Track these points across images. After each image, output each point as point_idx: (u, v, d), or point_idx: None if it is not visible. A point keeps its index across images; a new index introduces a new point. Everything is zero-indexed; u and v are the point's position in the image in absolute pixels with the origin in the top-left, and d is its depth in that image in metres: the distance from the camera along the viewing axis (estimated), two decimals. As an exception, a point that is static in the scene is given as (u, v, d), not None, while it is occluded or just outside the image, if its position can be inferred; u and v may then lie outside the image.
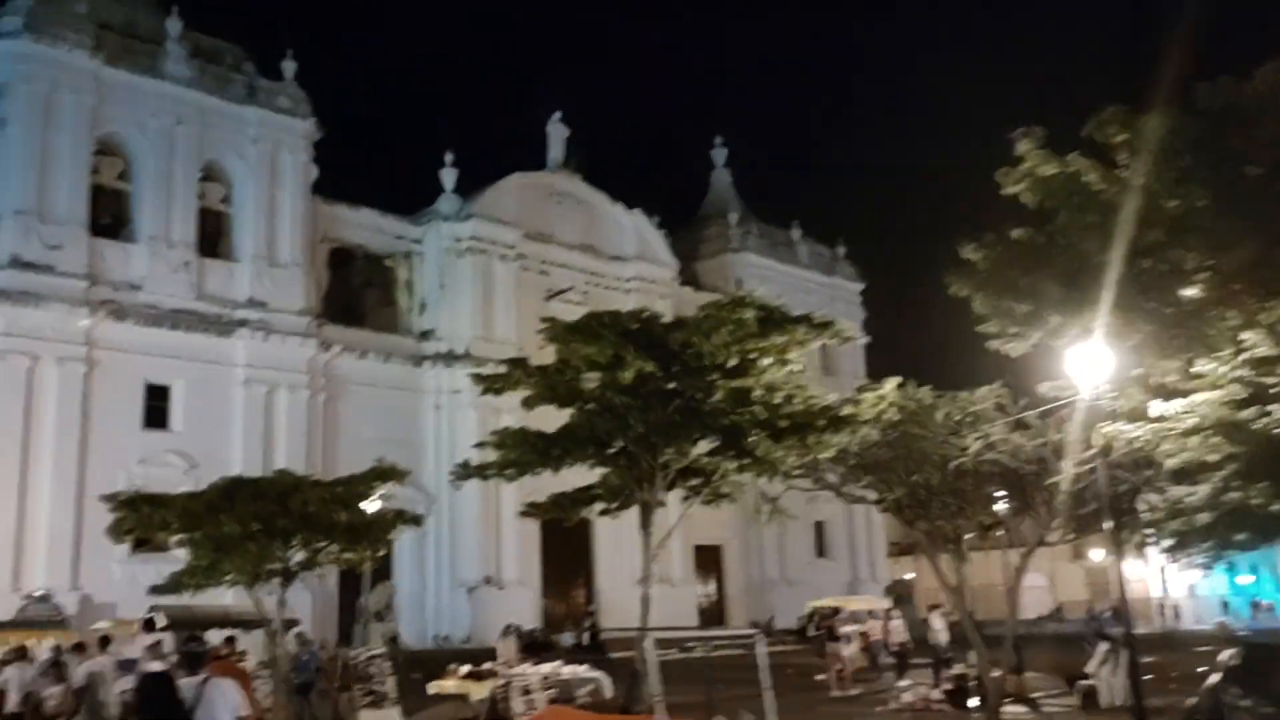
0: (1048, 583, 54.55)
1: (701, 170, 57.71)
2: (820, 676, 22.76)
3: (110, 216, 34.35)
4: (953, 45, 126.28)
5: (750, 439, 14.19)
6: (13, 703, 13.78)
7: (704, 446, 15.16)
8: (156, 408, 33.42)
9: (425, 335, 40.87)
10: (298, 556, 14.31)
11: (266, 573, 14.01)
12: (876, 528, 53.47)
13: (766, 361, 14.37)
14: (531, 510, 17.90)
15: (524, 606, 39.00)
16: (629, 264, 46.23)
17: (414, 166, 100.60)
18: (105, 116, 33.90)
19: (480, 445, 16.71)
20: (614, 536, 43.78)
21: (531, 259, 43.35)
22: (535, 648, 31.75)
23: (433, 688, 17.41)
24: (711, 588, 48.26)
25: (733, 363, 14.31)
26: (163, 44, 35.53)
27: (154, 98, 34.75)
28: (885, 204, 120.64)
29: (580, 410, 15.05)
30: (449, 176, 42.15)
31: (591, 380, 14.63)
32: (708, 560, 47.90)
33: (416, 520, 16.09)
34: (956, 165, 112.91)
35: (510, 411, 40.74)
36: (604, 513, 16.59)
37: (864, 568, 53.00)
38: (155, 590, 15.68)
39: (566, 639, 36.87)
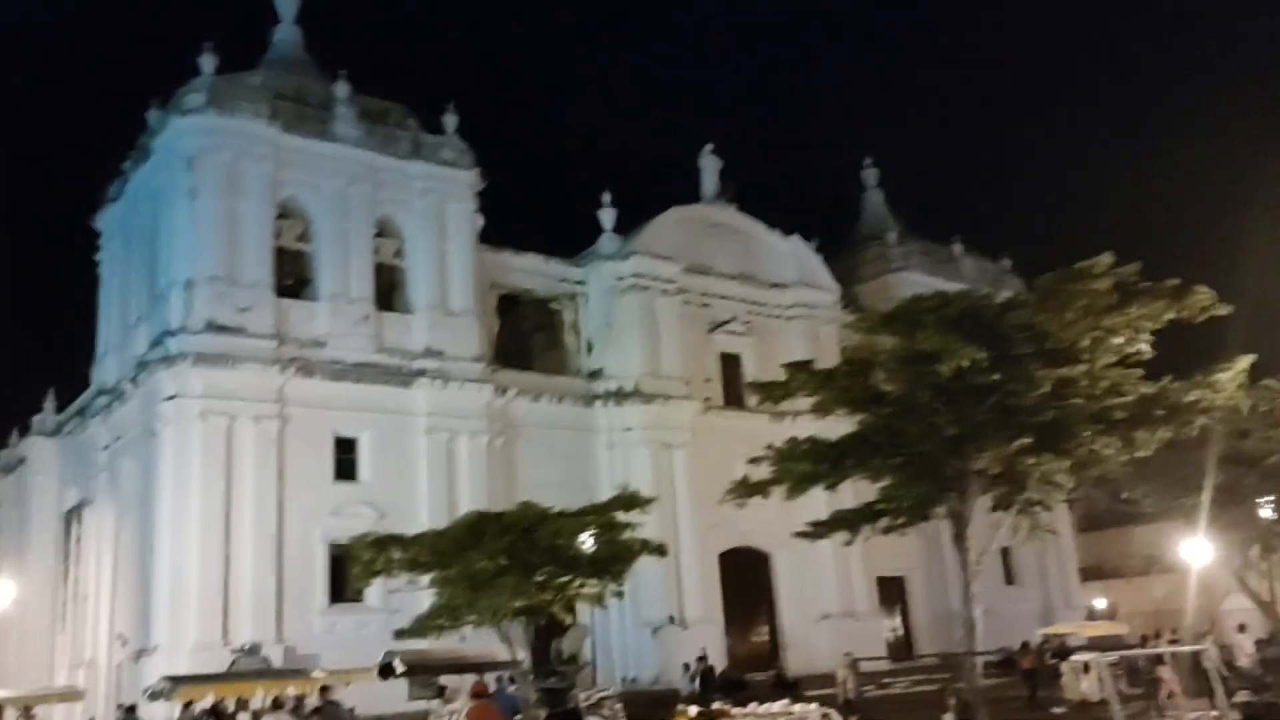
0: None
1: (852, 193, 56.65)
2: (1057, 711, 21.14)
3: (293, 277, 35.55)
4: (1109, 37, 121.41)
5: (1075, 435, 12.86)
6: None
7: (1009, 448, 13.77)
8: (345, 460, 34.18)
9: (594, 375, 40.87)
10: (544, 593, 13.91)
11: (513, 611, 13.66)
12: (1067, 552, 50.75)
13: (1117, 340, 12.94)
14: (813, 530, 17.01)
15: (708, 645, 38.07)
16: (790, 290, 45.39)
17: (574, 208, 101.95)
18: (284, 181, 35.18)
19: (756, 460, 15.96)
20: (795, 570, 42.74)
21: (693, 292, 42.99)
22: (729, 687, 30.91)
23: (662, 729, 16.80)
24: (897, 621, 46.40)
25: (1084, 342, 12.97)
26: (332, 108, 36.80)
27: (328, 160, 35.94)
28: (1046, 211, 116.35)
29: (875, 415, 14.10)
30: (608, 216, 42.29)
31: (883, 380, 13.63)
32: (891, 592, 46.12)
33: (661, 550, 15.52)
34: (1120, 165, 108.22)
35: (682, 447, 40.61)
36: (890, 529, 15.59)
37: (1056, 594, 50.27)
38: (399, 634, 15.58)
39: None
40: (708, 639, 38.60)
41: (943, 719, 14.27)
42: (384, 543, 14.27)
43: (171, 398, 31.76)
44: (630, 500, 14.81)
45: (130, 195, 37.98)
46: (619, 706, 15.84)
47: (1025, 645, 35.86)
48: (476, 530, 13.29)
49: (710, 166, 45.45)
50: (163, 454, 31.81)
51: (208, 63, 34.96)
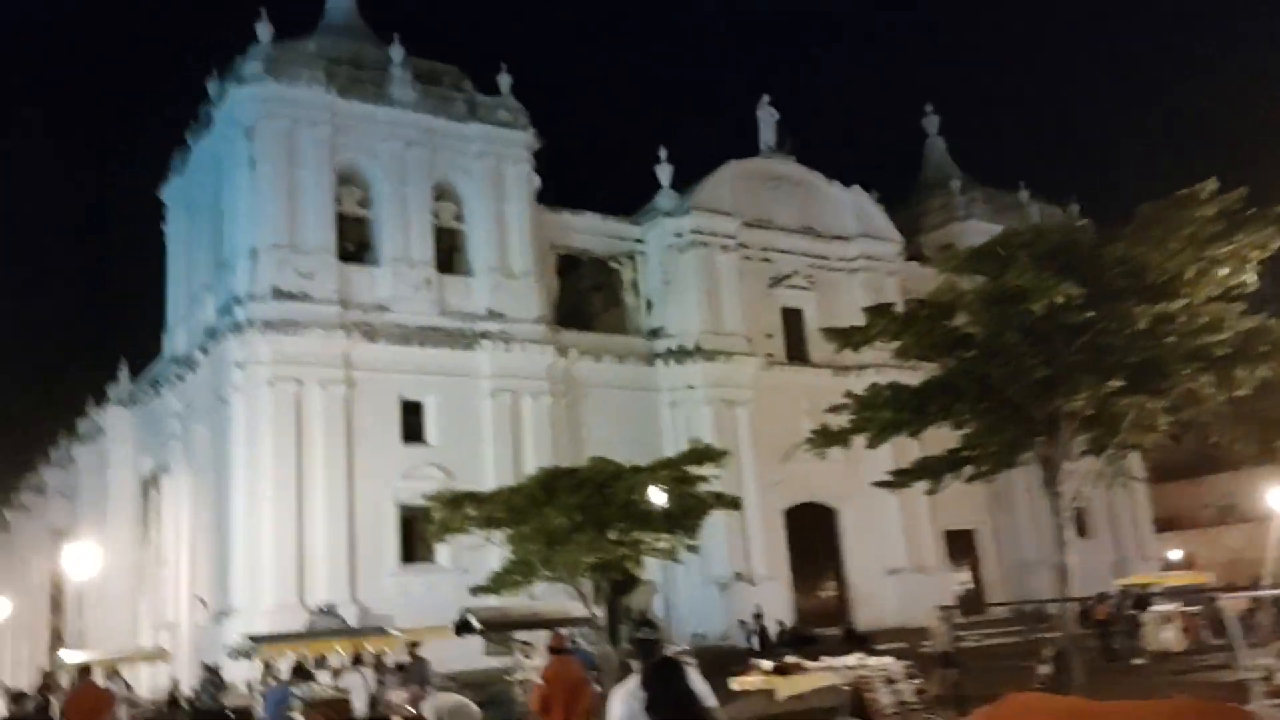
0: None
1: (912, 142, 55.48)
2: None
3: (355, 242, 35.74)
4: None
5: (1172, 374, 12.24)
6: (360, 709, 13.88)
7: (1102, 389, 13.07)
8: (413, 422, 34.48)
9: (655, 333, 40.67)
10: (618, 548, 13.82)
11: (587, 566, 13.60)
12: (1141, 503, 49.72)
13: (1222, 271, 12.25)
14: (894, 479, 16.64)
15: (775, 601, 38.05)
16: (852, 243, 44.65)
17: (630, 166, 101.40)
18: (342, 147, 35.30)
19: (836, 409, 15.60)
20: (862, 525, 42.40)
21: (753, 247, 42.48)
22: (798, 641, 30.83)
23: (736, 684, 16.68)
24: (967, 574, 45.88)
25: (1187, 274, 12.28)
26: (387, 72, 36.76)
27: (384, 125, 35.95)
28: (1112, 154, 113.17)
29: (959, 359, 13.64)
30: (664, 172, 41.86)
31: (967, 323, 13.09)
32: (959, 546, 45.58)
33: (735, 503, 15.31)
34: (1189, 103, 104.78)
35: (745, 404, 40.34)
36: (975, 477, 15.17)
37: (1130, 546, 49.29)
38: (475, 591, 15.63)
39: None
40: (774, 595, 38.58)
41: (1039, 669, 13.95)
42: (458, 500, 14.28)
43: (240, 364, 32.24)
44: (703, 453, 14.61)
45: (193, 166, 38.41)
46: (692, 661, 15.73)
47: (1102, 596, 35.19)
48: (550, 487, 13.22)
49: (767, 119, 44.71)
50: (234, 420, 32.35)
51: (264, 31, 35.09)
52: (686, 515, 13.93)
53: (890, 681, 9.65)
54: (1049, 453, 13.13)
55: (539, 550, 13.56)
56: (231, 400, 32.55)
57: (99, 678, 22.66)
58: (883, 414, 14.07)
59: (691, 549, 17.38)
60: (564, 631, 17.34)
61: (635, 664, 5.83)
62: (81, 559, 21.19)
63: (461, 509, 13.92)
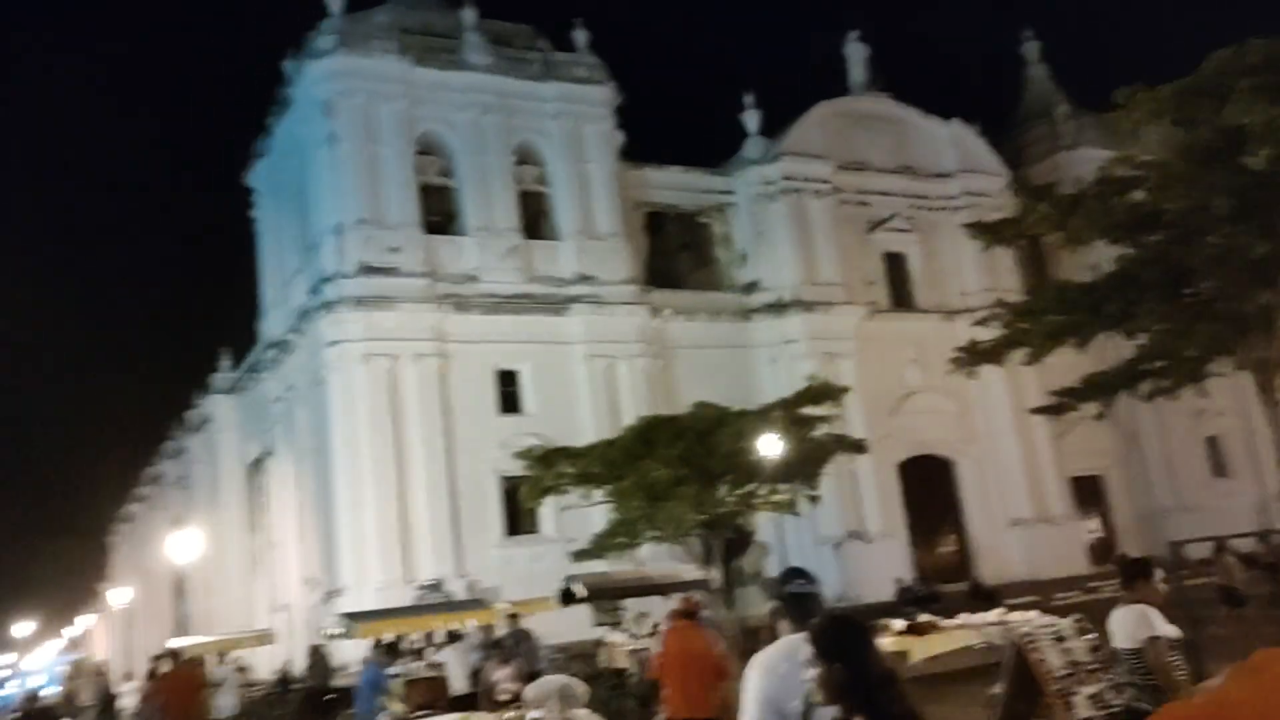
0: None
1: (1010, 70, 52.50)
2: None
3: (439, 213, 35.13)
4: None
5: None
6: (458, 688, 13.14)
7: None
8: (508, 392, 33.87)
9: (749, 288, 39.26)
10: (727, 503, 12.58)
11: (694, 523, 12.40)
12: (1283, 436, 46.43)
13: None
14: (1055, 403, 14.82)
15: (894, 559, 36.52)
16: (953, 180, 42.42)
17: (715, 115, 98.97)
18: (420, 117, 34.65)
19: (984, 322, 13.84)
20: (981, 476, 40.56)
21: (848, 191, 40.64)
22: (923, 600, 29.34)
23: (865, 647, 15.43)
24: (1096, 523, 43.56)
25: None
26: (460, 37, 35.93)
27: (459, 91, 35.17)
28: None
29: (1145, 244, 11.46)
30: (751, 119, 40.26)
31: (1154, 197, 10.83)
32: (1086, 493, 43.25)
33: (859, 446, 13.89)
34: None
35: (848, 356, 38.67)
36: (1157, 393, 13.20)
37: (1275, 485, 46.08)
38: (577, 556, 14.69)
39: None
40: (891, 552, 37.08)
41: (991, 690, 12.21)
42: (551, 457, 13.29)
43: (334, 343, 31.98)
44: (820, 391, 13.18)
45: (276, 149, 38.26)
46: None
47: (1265, 535, 32.85)
48: (648, 437, 12.12)
49: (856, 55, 42.66)
50: (331, 400, 32.15)
51: (335, 4, 34.53)
52: (805, 462, 12.53)
53: (1060, 639, 8.34)
54: (1264, 353, 10.65)
55: (640, 507, 12.43)
56: (327, 380, 32.35)
57: (210, 661, 22.58)
58: (1047, 318, 11.90)
59: (813, 499, 15.98)
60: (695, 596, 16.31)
61: (784, 625, 4.62)
62: (184, 545, 20.96)
63: (555, 466, 12.91)
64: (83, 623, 78.94)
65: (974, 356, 13.23)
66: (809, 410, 12.84)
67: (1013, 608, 21.25)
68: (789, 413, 12.78)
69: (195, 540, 22.26)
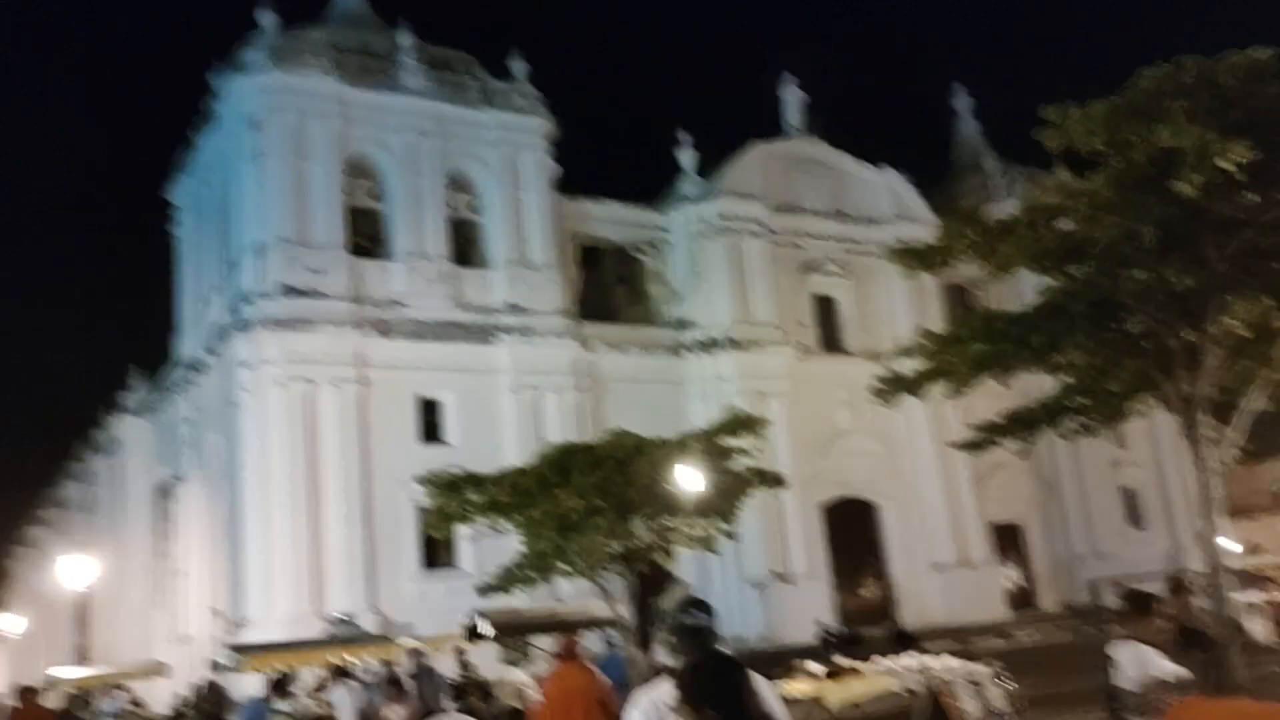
0: None
1: (941, 121, 53.41)
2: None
3: (367, 236, 34.37)
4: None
5: None
6: (346, 727, 12.40)
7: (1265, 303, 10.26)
8: (431, 422, 33.06)
9: (682, 324, 39.03)
10: (643, 536, 12.07)
11: (608, 557, 11.87)
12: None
13: None
14: (977, 439, 14.46)
15: (817, 602, 36.32)
16: (886, 226, 42.75)
17: (651, 151, 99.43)
18: (352, 138, 33.98)
19: (908, 353, 13.51)
20: (904, 520, 40.62)
21: (782, 232, 40.76)
22: (845, 643, 29.05)
23: (779, 691, 14.97)
24: (1014, 569, 43.84)
25: None
26: (397, 59, 35.42)
27: (395, 113, 34.59)
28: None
29: (1071, 275, 11.19)
30: (687, 157, 40.23)
31: (1082, 225, 10.50)
32: (1006, 539, 43.55)
33: (777, 479, 13.50)
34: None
35: (779, 396, 38.54)
36: (1080, 431, 12.90)
37: (1186, 535, 46.94)
38: (484, 590, 14.05)
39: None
40: (814, 595, 36.86)
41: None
42: (458, 484, 12.63)
43: (249, 365, 30.96)
44: (740, 422, 12.76)
45: (200, 164, 37.23)
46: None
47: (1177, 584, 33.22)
48: (563, 465, 11.61)
49: (792, 99, 42.98)
50: (244, 424, 31.05)
51: (268, 19, 33.82)
52: (724, 496, 12.08)
53: (975, 684, 7.98)
54: (1187, 390, 10.56)
55: (551, 539, 11.83)
56: (241, 403, 31.24)
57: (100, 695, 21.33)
58: (973, 348, 11.67)
59: (729, 536, 15.44)
60: (589, 634, 15.73)
61: (675, 662, 4.17)
62: (76, 571, 19.82)
63: (462, 493, 12.30)
64: (-27, 651, 75.06)
65: (895, 385, 12.92)
66: (729, 442, 12.40)
67: (932, 652, 21.06)
68: (708, 443, 12.31)
69: (89, 566, 21.13)
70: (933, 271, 12.22)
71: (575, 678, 8.17)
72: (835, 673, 14.63)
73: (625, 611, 12.65)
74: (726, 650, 4.16)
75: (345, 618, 28.74)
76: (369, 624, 29.09)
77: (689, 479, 11.47)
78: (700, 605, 4.27)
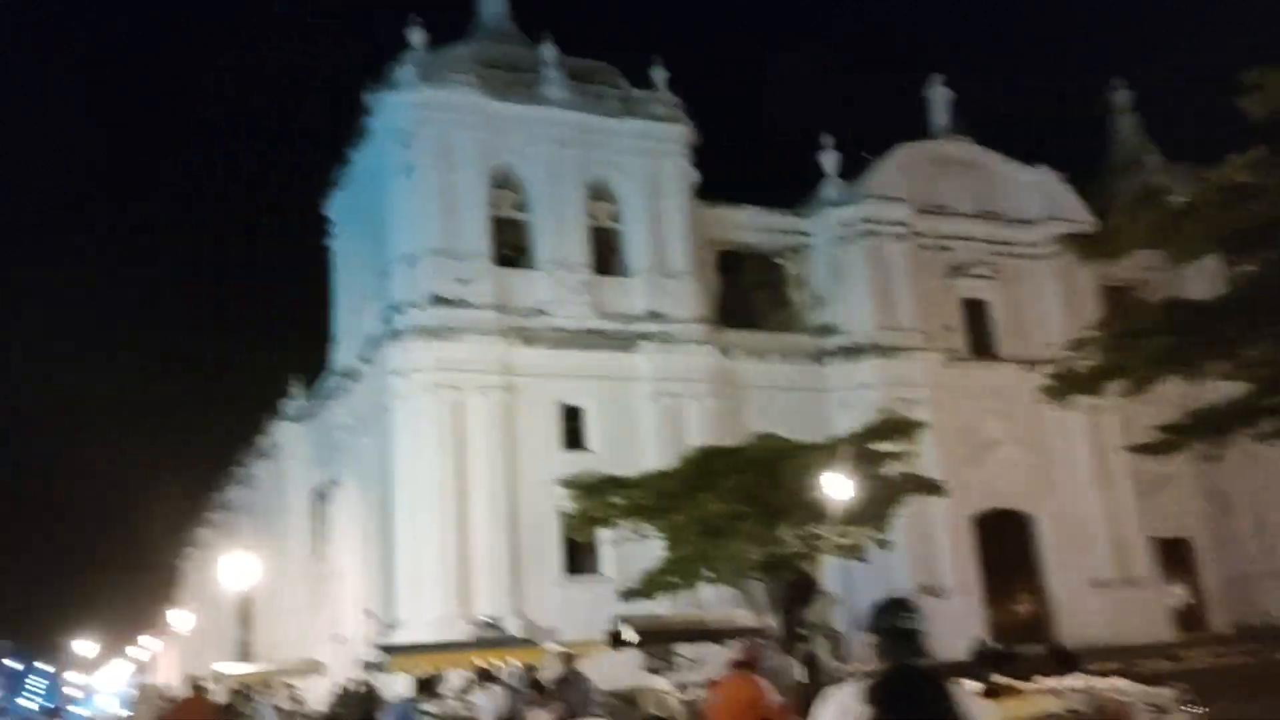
0: None
1: (1096, 119, 51.04)
2: None
3: (511, 246, 35.01)
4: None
5: None
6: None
7: None
8: (572, 429, 33.38)
9: (824, 330, 38.36)
10: (789, 543, 11.71)
11: (753, 564, 11.55)
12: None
13: None
14: (1160, 440, 13.52)
15: (967, 616, 34.95)
16: (1037, 227, 41.12)
17: (793, 156, 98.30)
18: (497, 150, 34.70)
19: (1079, 344, 12.65)
20: (1062, 533, 38.88)
21: (928, 235, 39.66)
22: (999, 660, 27.90)
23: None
24: (1182, 588, 41.37)
25: None
26: (539, 72, 36.01)
27: (538, 124, 35.17)
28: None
29: (1267, 259, 10.29)
30: (829, 160, 39.57)
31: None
32: (1172, 556, 41.15)
33: (935, 487, 12.93)
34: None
35: (925, 404, 37.41)
36: (1272, 436, 11.92)
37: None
38: (627, 595, 13.94)
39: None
40: (964, 609, 35.55)
41: None
42: (601, 487, 12.51)
43: (400, 373, 31.89)
44: (895, 426, 12.19)
45: (354, 179, 38.61)
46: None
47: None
48: (707, 469, 11.33)
49: (939, 98, 41.84)
50: (396, 430, 31.98)
51: (417, 37, 34.88)
52: (875, 504, 11.54)
53: (1156, 709, 7.42)
54: None
55: (695, 544, 11.55)
56: (393, 409, 32.21)
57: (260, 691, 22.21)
58: (1154, 341, 10.67)
59: (882, 545, 14.83)
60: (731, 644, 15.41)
61: (877, 666, 3.91)
62: (239, 570, 20.71)
63: (605, 495, 12.16)
64: (146, 644, 79.91)
65: (1067, 384, 12.03)
66: (881, 446, 11.87)
67: (1097, 673, 19.92)
68: (859, 448, 11.80)
69: (251, 566, 22.01)
70: (1108, 260, 11.37)
71: (743, 689, 7.98)
72: (993, 691, 13.97)
73: (772, 620, 12.31)
74: (929, 659, 3.90)
75: (491, 621, 29.21)
76: (514, 628, 29.48)
77: (838, 485, 11.04)
78: (907, 607, 3.98)
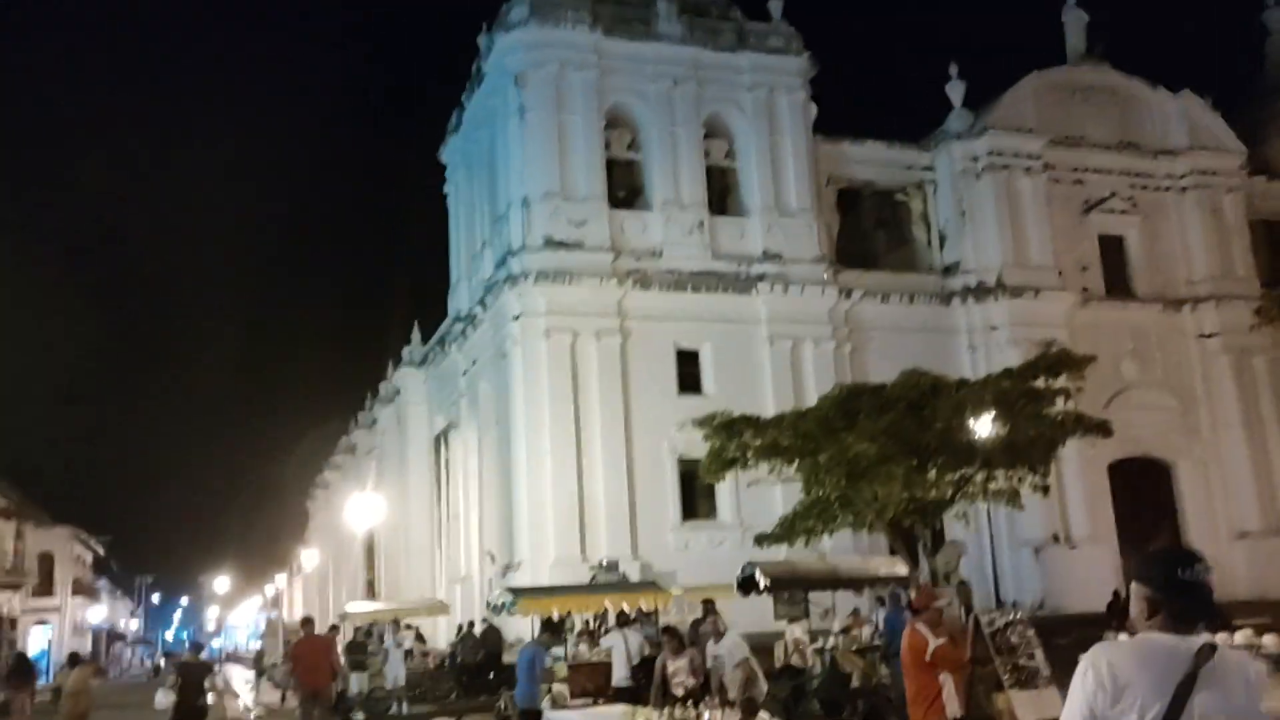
0: None
1: (1244, 41, 47.55)
2: None
3: (625, 187, 34.50)
4: None
5: None
6: (620, 676, 12.00)
7: None
8: (688, 373, 32.91)
9: (950, 270, 36.87)
10: (938, 488, 10.99)
11: (902, 509, 10.90)
12: None
13: None
14: None
15: (1101, 568, 33.54)
16: (1180, 158, 38.64)
17: (916, 87, 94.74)
18: (610, 89, 34.05)
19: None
20: (1203, 482, 36.95)
21: (1061, 168, 37.61)
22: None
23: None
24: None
25: None
26: (652, 7, 35.08)
27: (650, 62, 34.34)
28: None
29: None
30: (956, 91, 37.71)
31: None
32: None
33: (1101, 426, 12.00)
34: None
35: (1057, 346, 35.64)
36: None
37: None
38: (760, 540, 13.45)
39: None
40: (1098, 560, 34.13)
41: None
42: (735, 425, 11.92)
43: (517, 317, 31.83)
44: (1058, 360, 11.26)
45: (468, 123, 38.52)
46: (1030, 633, 12.85)
47: None
48: (849, 408, 10.64)
49: (1074, 21, 39.40)
50: (513, 374, 32.03)
51: (525, -24, 34.23)
52: (1034, 446, 10.71)
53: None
54: None
55: (838, 487, 10.91)
56: (510, 354, 32.24)
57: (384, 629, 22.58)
58: None
59: (1042, 490, 13.96)
60: (863, 594, 14.82)
61: (1147, 624, 3.25)
62: (363, 511, 20.96)
63: (740, 437, 11.60)
64: (278, 582, 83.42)
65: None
66: (1042, 384, 11.02)
67: (1249, 628, 18.66)
68: (1016, 384, 10.93)
69: (375, 507, 22.34)
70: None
71: (911, 636, 7.64)
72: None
73: (922, 569, 11.64)
74: (1218, 622, 3.27)
75: (610, 564, 29.18)
76: (632, 572, 29.40)
77: (990, 425, 10.26)
78: (1194, 558, 3.28)
